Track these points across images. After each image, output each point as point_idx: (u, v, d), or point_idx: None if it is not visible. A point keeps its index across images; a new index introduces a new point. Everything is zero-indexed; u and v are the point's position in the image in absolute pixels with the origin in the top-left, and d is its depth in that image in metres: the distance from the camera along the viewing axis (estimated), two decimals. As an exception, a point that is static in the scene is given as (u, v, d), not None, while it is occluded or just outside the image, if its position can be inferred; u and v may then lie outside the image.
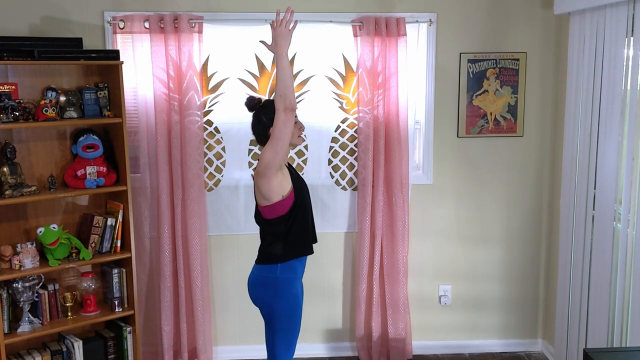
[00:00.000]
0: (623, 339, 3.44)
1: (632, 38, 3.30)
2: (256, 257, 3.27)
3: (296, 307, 3.25)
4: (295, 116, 3.12)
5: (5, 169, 3.62)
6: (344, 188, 4.41)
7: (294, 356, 3.34)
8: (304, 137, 4.23)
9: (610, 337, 3.57)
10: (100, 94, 3.89)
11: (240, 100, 4.20)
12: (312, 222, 3.34)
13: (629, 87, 3.35)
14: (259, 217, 3.25)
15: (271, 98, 3.24)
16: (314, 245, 3.33)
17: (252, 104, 3.21)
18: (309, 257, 3.35)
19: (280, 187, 3.08)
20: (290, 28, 3.09)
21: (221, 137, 4.30)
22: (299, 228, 3.19)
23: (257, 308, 3.30)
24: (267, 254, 3.21)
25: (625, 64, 3.38)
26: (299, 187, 3.19)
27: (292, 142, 3.19)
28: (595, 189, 3.71)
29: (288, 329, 3.23)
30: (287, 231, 3.16)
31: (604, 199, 3.59)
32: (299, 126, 3.21)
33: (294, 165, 4.28)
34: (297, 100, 4.26)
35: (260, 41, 3.21)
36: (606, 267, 3.57)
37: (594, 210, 3.73)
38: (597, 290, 3.66)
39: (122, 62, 3.82)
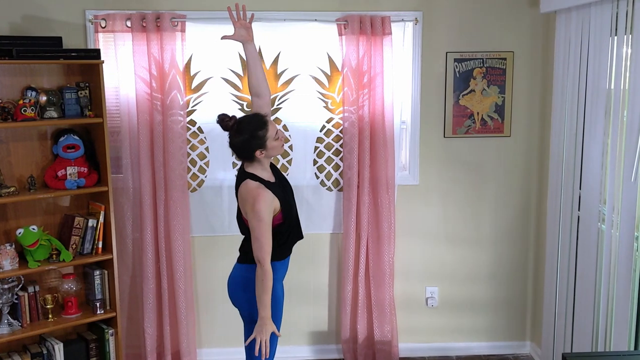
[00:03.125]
0: (607, 342, 3.39)
1: (616, 37, 3.25)
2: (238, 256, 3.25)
3: (276, 309, 3.21)
4: (278, 130, 3.14)
5: (-17, 169, 3.59)
6: (329, 189, 4.37)
7: (276, 359, 3.31)
8: (288, 137, 4.23)
9: (595, 341, 3.52)
10: (81, 93, 3.85)
11: (224, 99, 4.22)
12: (297, 220, 3.31)
13: (612, 87, 3.31)
14: (241, 218, 3.21)
15: (245, 114, 3.23)
16: (300, 242, 3.34)
17: (226, 125, 3.13)
18: (293, 258, 3.34)
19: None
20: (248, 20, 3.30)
21: (205, 137, 4.26)
22: (284, 240, 3.19)
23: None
24: (248, 253, 3.17)
25: (609, 62, 3.33)
26: (286, 204, 3.16)
27: (275, 155, 3.24)
28: (580, 189, 3.67)
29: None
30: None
31: (589, 200, 3.54)
32: (281, 142, 3.20)
33: (279, 166, 4.23)
34: (282, 100, 4.23)
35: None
36: (591, 269, 3.52)
37: (579, 210, 3.69)
38: (583, 293, 3.62)
39: (103, 62, 3.78)
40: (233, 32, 3.32)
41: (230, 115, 3.15)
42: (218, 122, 3.15)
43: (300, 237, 3.33)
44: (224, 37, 3.33)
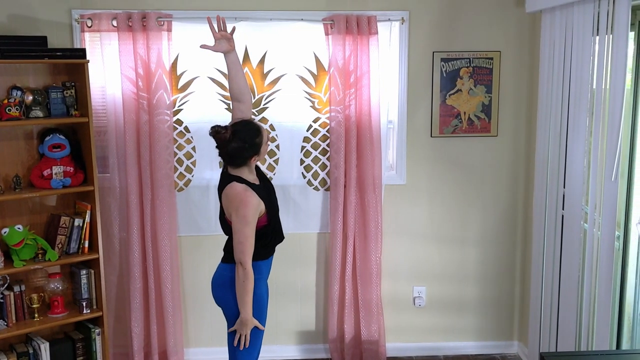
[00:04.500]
0: (590, 341, 3.39)
1: (597, 37, 3.25)
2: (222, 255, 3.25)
3: (260, 308, 3.21)
4: (269, 133, 3.14)
5: (-33, 168, 3.59)
6: (316, 188, 4.37)
7: (262, 359, 3.31)
8: (275, 136, 4.24)
9: (578, 340, 3.52)
10: (67, 92, 3.85)
11: (210, 99, 4.21)
12: (279, 223, 3.31)
13: (594, 86, 3.31)
14: (224, 219, 3.20)
15: (236, 122, 3.20)
16: (287, 241, 3.38)
17: (223, 137, 3.06)
18: (280, 258, 3.35)
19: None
20: (229, 32, 3.26)
21: (191, 137, 4.26)
22: (268, 241, 3.19)
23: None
24: (232, 253, 3.17)
25: (592, 62, 3.33)
26: (271, 206, 3.18)
27: (263, 157, 3.29)
28: (564, 188, 3.67)
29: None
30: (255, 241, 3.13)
31: (573, 199, 3.54)
32: (268, 145, 3.21)
33: (265, 167, 4.24)
34: (269, 99, 4.23)
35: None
36: (575, 268, 3.52)
37: (563, 210, 3.69)
38: (567, 292, 3.62)
39: (88, 61, 3.78)
40: (213, 43, 3.27)
41: (224, 126, 3.08)
42: (212, 134, 3.08)
43: (282, 237, 3.34)
44: (203, 46, 3.28)
